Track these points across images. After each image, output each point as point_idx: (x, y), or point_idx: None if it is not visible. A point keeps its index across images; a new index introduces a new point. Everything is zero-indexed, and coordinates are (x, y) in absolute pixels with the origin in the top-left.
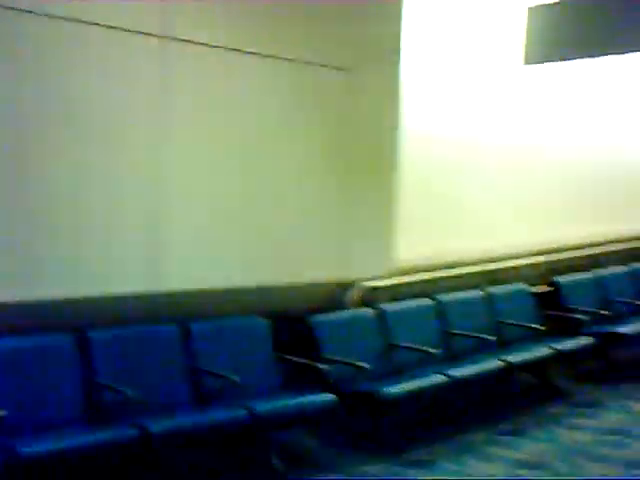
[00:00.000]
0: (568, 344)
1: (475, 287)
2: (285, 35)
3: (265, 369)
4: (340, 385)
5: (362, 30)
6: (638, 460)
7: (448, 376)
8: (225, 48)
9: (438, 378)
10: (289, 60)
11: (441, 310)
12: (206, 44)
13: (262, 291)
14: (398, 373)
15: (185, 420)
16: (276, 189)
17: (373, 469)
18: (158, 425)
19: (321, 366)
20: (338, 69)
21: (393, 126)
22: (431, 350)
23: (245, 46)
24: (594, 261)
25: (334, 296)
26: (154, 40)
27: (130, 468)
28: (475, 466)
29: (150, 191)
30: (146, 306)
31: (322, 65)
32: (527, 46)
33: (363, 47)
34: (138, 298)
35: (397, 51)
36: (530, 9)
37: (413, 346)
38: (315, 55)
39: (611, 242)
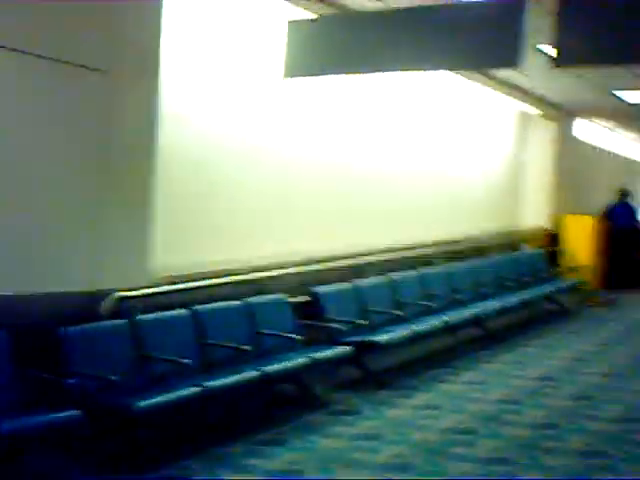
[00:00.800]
0: (325, 353)
1: (237, 297)
2: (39, 31)
3: (4, 385)
4: (88, 400)
5: (120, 32)
6: (387, 464)
7: (203, 387)
8: None
9: (193, 389)
10: (43, 57)
11: (198, 320)
12: None
13: (2, 300)
14: (152, 385)
15: None
16: (23, 188)
17: None
18: None
19: (67, 380)
20: (96, 70)
21: (151, 129)
22: (185, 361)
23: None
24: (357, 271)
25: (86, 306)
26: None
27: None
28: (231, 478)
29: None
30: None
31: (80, 65)
32: (287, 59)
33: (121, 49)
34: None
35: (156, 56)
36: (290, 23)
37: (168, 357)
38: (72, 55)
39: (372, 253)
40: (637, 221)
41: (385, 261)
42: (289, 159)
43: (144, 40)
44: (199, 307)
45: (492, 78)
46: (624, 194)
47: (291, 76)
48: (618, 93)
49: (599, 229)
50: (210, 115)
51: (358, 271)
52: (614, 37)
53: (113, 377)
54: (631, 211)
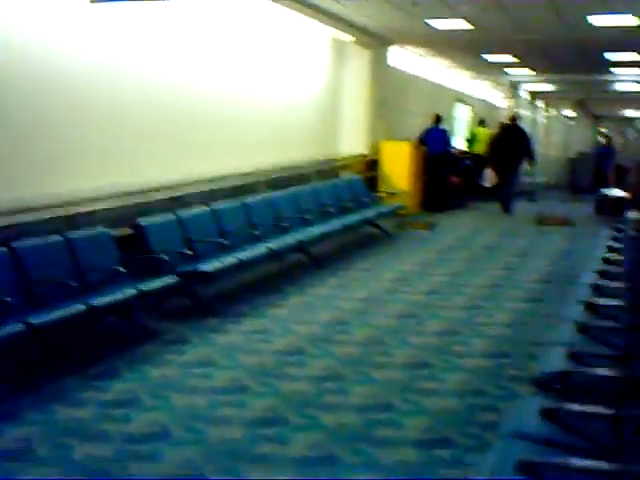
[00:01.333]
0: (152, 284)
1: (56, 232)
2: None
3: None
4: None
5: None
6: (222, 387)
7: (28, 323)
8: None
9: (18, 326)
10: None
11: (17, 257)
12: None
13: None
14: None
15: None
16: None
17: None
18: None
19: None
20: None
21: None
22: (7, 299)
23: None
24: (179, 201)
25: None
26: None
27: None
28: (64, 412)
29: None
30: None
31: None
32: None
33: None
34: None
35: None
36: None
37: None
38: None
39: (195, 183)
40: (450, 145)
41: (208, 191)
42: (109, 87)
43: None
44: (16, 243)
45: (307, 5)
46: (438, 119)
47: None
48: (430, 21)
49: (415, 154)
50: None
51: (181, 201)
52: None
53: None
54: (445, 136)
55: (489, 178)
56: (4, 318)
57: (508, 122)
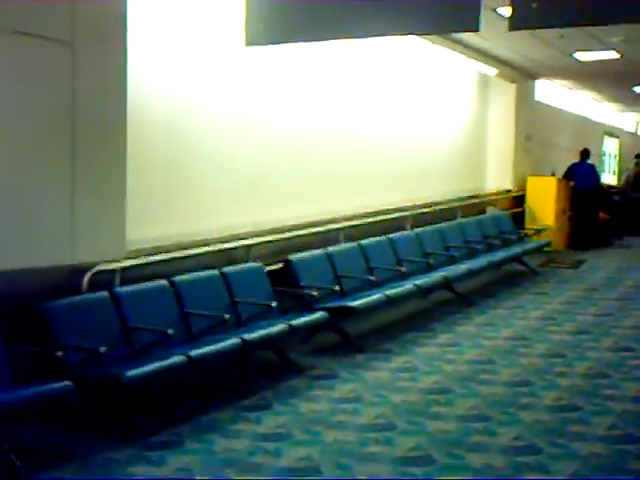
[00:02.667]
0: (302, 319)
1: (213, 267)
2: None
3: None
4: (79, 372)
5: (84, 3)
6: (370, 424)
7: (187, 356)
8: None
9: (178, 358)
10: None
11: (178, 291)
12: None
13: None
14: (138, 356)
15: None
16: None
17: (121, 455)
18: None
19: (56, 353)
20: (59, 42)
21: (120, 101)
22: (169, 331)
23: None
24: (326, 238)
25: (66, 281)
26: None
27: None
28: (221, 443)
29: None
30: None
31: (41, 37)
32: (247, 27)
33: (86, 21)
34: None
35: (122, 26)
36: None
37: (151, 328)
38: (33, 26)
39: (344, 219)
40: (599, 181)
41: (355, 226)
42: (259, 128)
43: (108, 10)
44: (177, 278)
45: (452, 40)
46: (586, 154)
47: (253, 44)
48: (575, 54)
49: (561, 190)
50: (180, 84)
51: (330, 237)
52: None
53: (100, 349)
54: (593, 171)
55: None
56: (166, 349)
57: None
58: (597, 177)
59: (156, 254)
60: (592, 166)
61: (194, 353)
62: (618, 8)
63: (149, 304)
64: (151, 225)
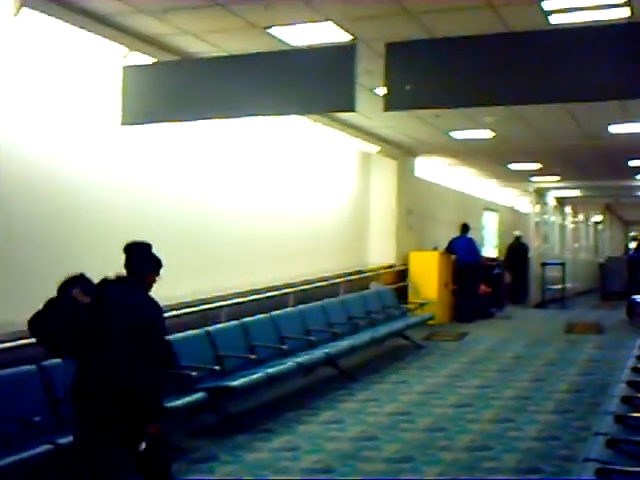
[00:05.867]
0: (180, 401)
1: None
2: None
3: None
4: None
5: None
6: None
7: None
8: None
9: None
10: None
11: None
12: None
13: None
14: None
15: None
16: None
17: None
18: None
19: None
20: None
21: None
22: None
23: None
24: (206, 316)
25: None
26: None
27: None
28: None
29: None
30: None
31: None
32: (124, 106)
33: None
34: None
35: None
36: (125, 68)
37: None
38: None
39: (225, 297)
40: (479, 255)
41: (236, 304)
42: (135, 202)
43: None
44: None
45: (332, 119)
46: (465, 229)
47: (130, 123)
48: (452, 133)
49: (443, 264)
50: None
51: (209, 315)
52: (439, 82)
53: None
54: (473, 245)
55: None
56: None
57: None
58: (477, 251)
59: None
60: (471, 240)
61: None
62: (487, 91)
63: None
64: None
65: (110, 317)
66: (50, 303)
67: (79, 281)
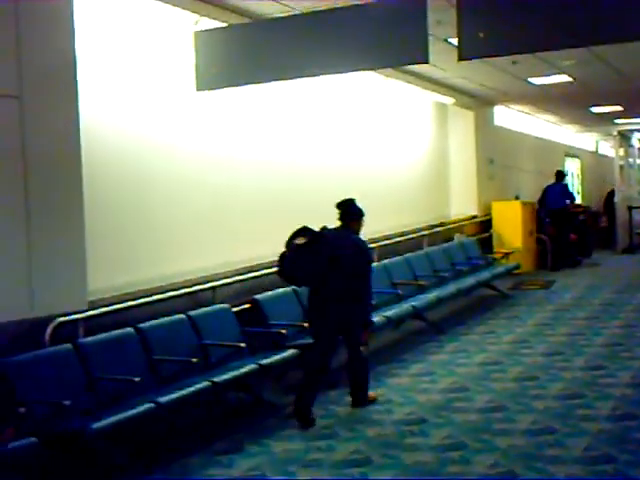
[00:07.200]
0: (272, 358)
1: (180, 311)
2: None
3: None
4: (42, 427)
5: (30, 57)
6: (346, 460)
7: (156, 402)
8: None
9: (146, 406)
10: None
11: (144, 338)
12: None
13: None
14: (105, 407)
15: None
16: None
17: None
18: None
19: (18, 409)
20: (6, 97)
21: (73, 151)
22: (135, 379)
23: None
24: None
25: (26, 334)
26: None
27: None
28: None
29: None
30: None
31: None
32: (197, 72)
33: (33, 74)
34: None
35: (72, 77)
36: (196, 34)
37: (117, 377)
38: None
39: None
40: (567, 202)
41: None
42: (220, 167)
43: (57, 64)
44: (142, 324)
45: (405, 72)
46: (561, 175)
47: (204, 89)
48: (531, 79)
49: (527, 212)
50: (136, 129)
51: None
52: (513, 27)
53: (64, 402)
54: (563, 191)
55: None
56: (133, 397)
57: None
58: (571, 196)
59: (120, 303)
60: (566, 185)
61: (162, 399)
62: (564, 34)
63: (114, 353)
64: (114, 271)
65: (333, 251)
66: (283, 255)
67: (301, 232)
